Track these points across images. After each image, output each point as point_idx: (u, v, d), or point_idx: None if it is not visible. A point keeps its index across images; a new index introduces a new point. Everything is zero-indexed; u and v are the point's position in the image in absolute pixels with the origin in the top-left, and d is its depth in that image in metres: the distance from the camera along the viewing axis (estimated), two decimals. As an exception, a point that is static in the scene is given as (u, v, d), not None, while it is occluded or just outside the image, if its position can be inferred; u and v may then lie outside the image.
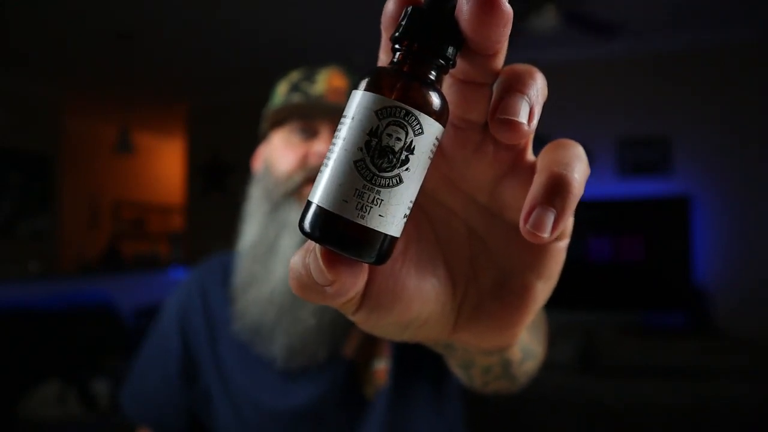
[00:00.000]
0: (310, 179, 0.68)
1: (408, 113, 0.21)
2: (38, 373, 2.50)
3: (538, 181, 0.23)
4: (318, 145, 0.69)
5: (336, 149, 0.22)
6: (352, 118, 0.21)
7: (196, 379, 0.75)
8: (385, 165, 0.21)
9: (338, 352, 0.69)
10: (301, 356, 0.68)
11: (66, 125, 4.69)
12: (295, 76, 0.75)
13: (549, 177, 0.22)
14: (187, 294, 0.79)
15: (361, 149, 0.21)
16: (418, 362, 0.71)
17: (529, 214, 0.22)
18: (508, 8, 0.21)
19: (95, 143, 5.46)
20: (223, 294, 0.75)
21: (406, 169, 0.22)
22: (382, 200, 0.22)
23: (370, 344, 0.69)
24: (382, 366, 0.69)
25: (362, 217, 0.21)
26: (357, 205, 0.21)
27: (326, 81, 0.72)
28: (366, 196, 0.21)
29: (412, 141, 0.22)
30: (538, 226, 0.22)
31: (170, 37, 3.46)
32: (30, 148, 4.31)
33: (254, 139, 0.82)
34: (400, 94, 0.21)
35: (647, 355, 1.97)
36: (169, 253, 5.46)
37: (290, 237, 0.68)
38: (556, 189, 0.22)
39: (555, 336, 0.59)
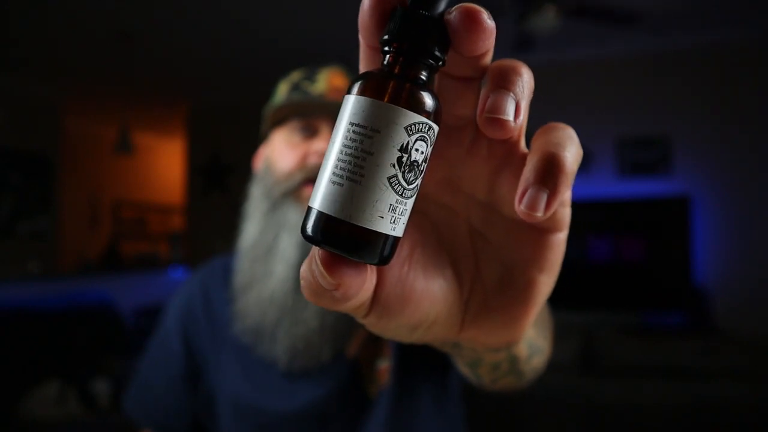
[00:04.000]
0: (310, 179, 0.68)
1: (430, 128, 0.22)
2: (38, 373, 2.50)
3: (530, 162, 0.23)
4: (318, 144, 0.69)
5: (360, 162, 0.21)
6: (378, 131, 0.21)
7: (198, 381, 0.75)
8: (412, 178, 0.22)
9: (341, 352, 0.69)
10: (305, 357, 0.68)
11: (66, 125, 4.69)
12: (296, 75, 0.76)
13: (541, 157, 0.23)
14: (189, 295, 0.78)
15: (393, 165, 0.21)
16: (419, 361, 0.71)
17: (523, 194, 0.22)
18: (490, 24, 0.22)
19: (95, 143, 5.46)
20: (225, 296, 0.75)
21: (422, 178, 0.22)
22: (406, 210, 0.22)
23: (374, 343, 0.69)
24: (385, 365, 0.69)
25: (394, 230, 0.22)
26: (391, 219, 0.22)
27: (327, 80, 0.72)
28: (398, 209, 0.22)
29: (428, 151, 0.22)
30: (531, 205, 0.22)
31: (170, 37, 3.46)
32: (30, 148, 4.31)
33: (254, 139, 0.82)
34: (418, 107, 0.21)
35: (647, 355, 1.97)
36: (169, 253, 5.45)
37: (289, 237, 0.68)
38: (548, 168, 0.22)
39: (555, 336, 0.59)
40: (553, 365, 0.57)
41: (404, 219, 0.22)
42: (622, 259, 3.43)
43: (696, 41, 3.41)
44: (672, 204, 3.33)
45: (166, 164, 6.23)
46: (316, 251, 0.23)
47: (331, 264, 0.22)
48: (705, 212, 3.34)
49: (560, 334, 0.63)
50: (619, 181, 3.57)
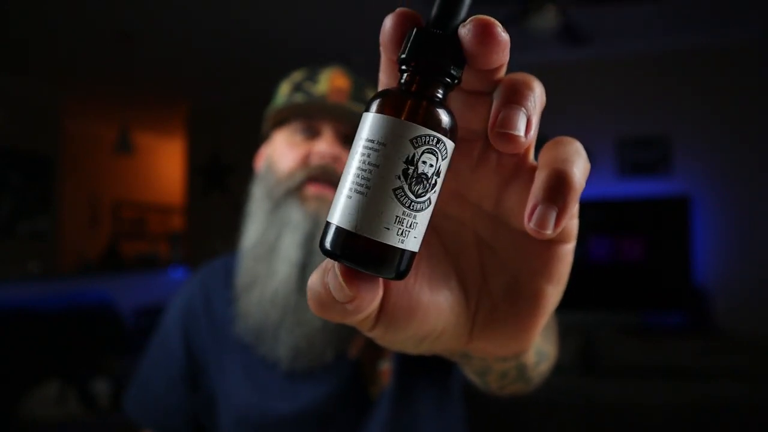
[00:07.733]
0: (312, 178, 0.68)
1: (439, 140, 0.22)
2: (38, 373, 2.50)
3: (539, 179, 0.23)
4: (320, 145, 0.69)
5: (367, 175, 0.22)
6: (384, 145, 0.22)
7: (199, 382, 0.75)
8: (420, 191, 0.22)
9: (343, 353, 0.69)
10: (308, 357, 0.68)
11: (66, 125, 4.69)
12: (297, 76, 0.76)
13: (549, 174, 0.23)
14: (190, 296, 0.78)
15: (399, 177, 0.22)
16: (420, 362, 0.71)
17: (532, 212, 0.22)
18: (504, 37, 0.22)
19: (95, 143, 5.46)
20: (226, 296, 0.75)
21: (434, 192, 0.23)
22: (417, 223, 0.23)
23: (375, 344, 0.69)
24: (386, 366, 0.69)
25: (402, 242, 0.22)
26: (398, 231, 0.22)
27: (329, 81, 0.72)
28: (405, 221, 0.22)
29: (440, 165, 0.23)
30: (541, 223, 0.22)
31: (170, 37, 3.46)
32: (30, 148, 4.30)
33: (254, 138, 0.82)
34: (429, 121, 0.22)
35: (647, 355, 1.97)
36: (169, 253, 5.45)
37: (291, 236, 0.68)
38: (557, 186, 0.22)
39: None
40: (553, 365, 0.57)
41: (416, 233, 0.23)
42: (622, 259, 3.43)
43: (696, 41, 3.41)
44: (672, 204, 3.33)
45: (166, 164, 6.23)
46: (333, 264, 0.23)
47: (349, 276, 0.22)
48: (705, 212, 3.34)
49: (560, 334, 0.63)
50: (619, 181, 3.57)
